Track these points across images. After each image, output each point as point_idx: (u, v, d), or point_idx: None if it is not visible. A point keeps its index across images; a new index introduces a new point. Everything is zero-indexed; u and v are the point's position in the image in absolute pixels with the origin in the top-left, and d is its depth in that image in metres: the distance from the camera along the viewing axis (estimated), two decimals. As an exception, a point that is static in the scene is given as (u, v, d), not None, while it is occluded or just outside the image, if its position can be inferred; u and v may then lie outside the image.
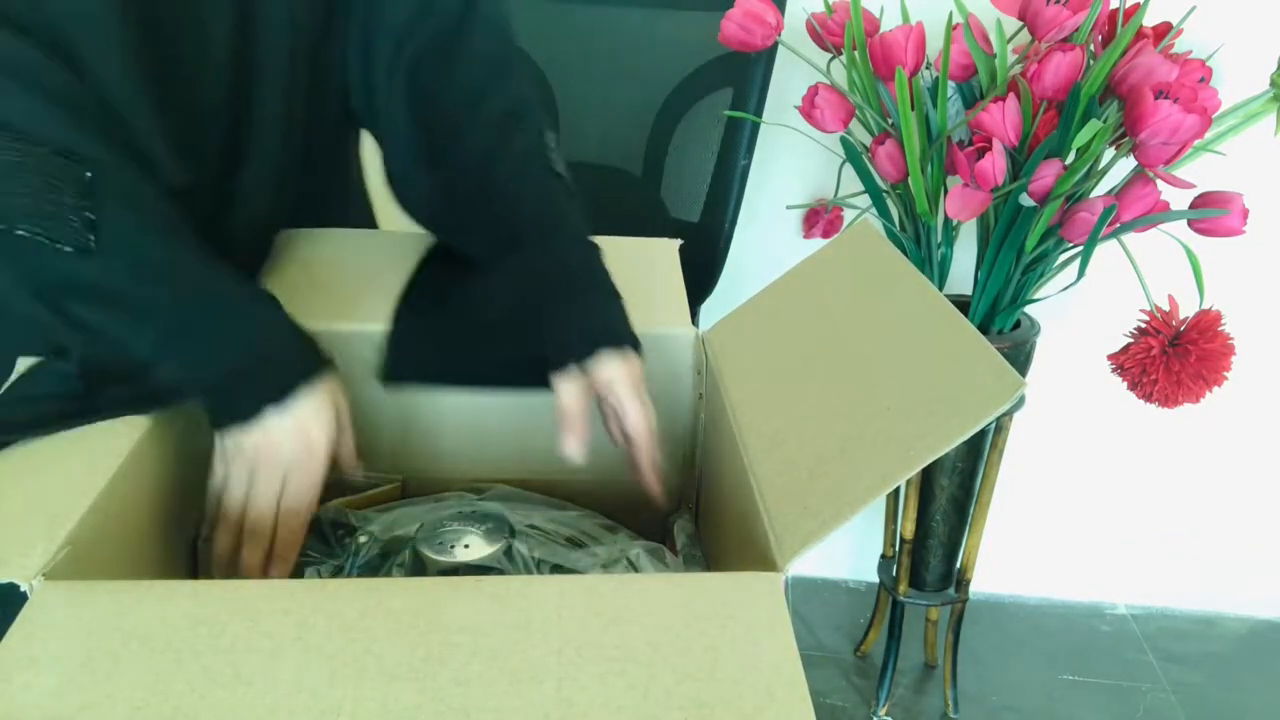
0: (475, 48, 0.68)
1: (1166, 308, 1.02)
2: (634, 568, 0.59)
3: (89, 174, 0.53)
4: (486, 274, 0.64)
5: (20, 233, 0.52)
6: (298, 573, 0.58)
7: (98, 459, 0.50)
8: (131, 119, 0.58)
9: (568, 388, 0.58)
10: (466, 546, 0.57)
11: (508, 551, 0.57)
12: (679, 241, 0.79)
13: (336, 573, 0.58)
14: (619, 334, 0.59)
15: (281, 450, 0.54)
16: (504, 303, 0.62)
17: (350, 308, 0.66)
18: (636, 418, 0.59)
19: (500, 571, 0.56)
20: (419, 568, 0.57)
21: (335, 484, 0.61)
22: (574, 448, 0.58)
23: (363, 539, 0.59)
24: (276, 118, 0.66)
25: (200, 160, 0.63)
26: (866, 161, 1.07)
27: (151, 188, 0.57)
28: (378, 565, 0.58)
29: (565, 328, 0.59)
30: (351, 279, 0.69)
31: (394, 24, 0.67)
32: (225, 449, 0.55)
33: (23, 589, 0.43)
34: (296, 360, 0.56)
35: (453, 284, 0.67)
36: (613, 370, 0.58)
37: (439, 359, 0.64)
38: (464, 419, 0.69)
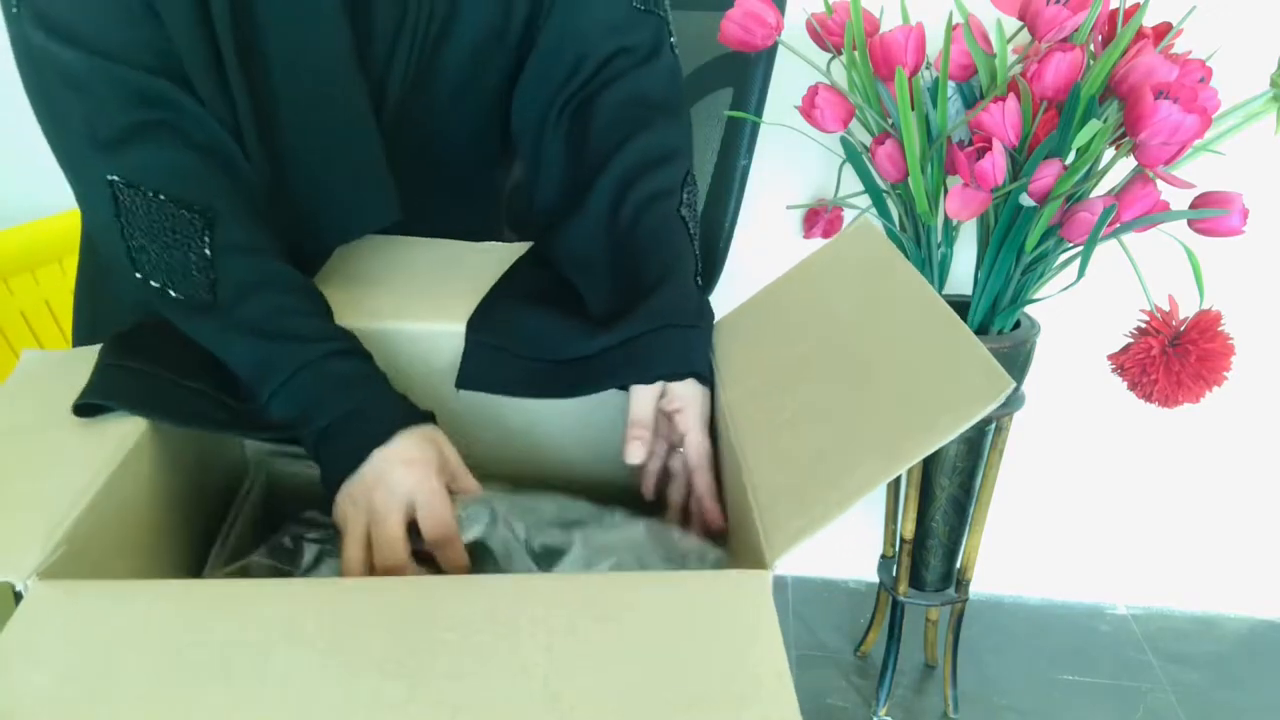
0: (645, 92, 0.69)
1: (1166, 308, 1.02)
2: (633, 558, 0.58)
3: (207, 228, 0.56)
4: (597, 322, 0.64)
5: (154, 284, 0.55)
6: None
7: (94, 460, 0.50)
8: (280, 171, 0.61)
9: (646, 400, 0.61)
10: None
11: (493, 521, 0.57)
12: None
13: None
14: (703, 368, 0.62)
15: (395, 479, 0.54)
16: (606, 344, 0.62)
17: (369, 308, 0.66)
18: (700, 446, 0.61)
19: (487, 550, 0.56)
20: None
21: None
22: (637, 452, 0.61)
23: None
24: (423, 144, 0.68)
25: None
26: (866, 161, 1.07)
27: (266, 237, 0.59)
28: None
29: (661, 353, 0.61)
30: (374, 281, 0.69)
31: (591, 58, 0.68)
32: (340, 506, 0.55)
33: (18, 588, 0.44)
34: (397, 413, 0.57)
35: (545, 311, 0.66)
36: (688, 398, 0.61)
37: (516, 375, 0.64)
38: (465, 419, 0.69)
